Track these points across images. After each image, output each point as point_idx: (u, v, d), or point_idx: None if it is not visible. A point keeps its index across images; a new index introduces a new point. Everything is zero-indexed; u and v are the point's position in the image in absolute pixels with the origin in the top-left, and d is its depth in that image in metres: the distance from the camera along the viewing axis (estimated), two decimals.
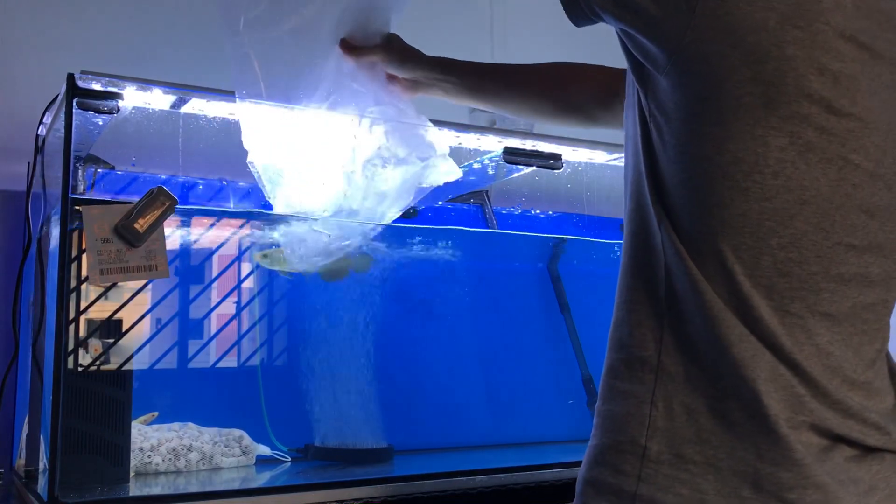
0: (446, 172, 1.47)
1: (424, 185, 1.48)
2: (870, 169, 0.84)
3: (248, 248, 1.85)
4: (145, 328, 1.65)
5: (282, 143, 1.42)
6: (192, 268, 1.80)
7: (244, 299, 1.85)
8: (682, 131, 0.85)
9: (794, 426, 0.82)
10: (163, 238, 1.32)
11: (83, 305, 1.37)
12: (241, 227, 1.77)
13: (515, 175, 1.83)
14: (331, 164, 1.45)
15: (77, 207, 1.31)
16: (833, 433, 0.83)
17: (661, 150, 0.88)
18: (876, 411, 0.86)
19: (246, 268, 1.86)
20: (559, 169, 1.71)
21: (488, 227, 2.13)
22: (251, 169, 1.42)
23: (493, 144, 1.67)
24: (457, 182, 1.90)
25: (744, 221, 0.82)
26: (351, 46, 1.37)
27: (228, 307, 1.83)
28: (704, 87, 0.83)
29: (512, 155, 1.66)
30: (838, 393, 0.84)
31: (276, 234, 1.78)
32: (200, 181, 1.80)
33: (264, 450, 1.66)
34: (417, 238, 1.88)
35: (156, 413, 1.60)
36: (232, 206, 1.82)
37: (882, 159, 0.85)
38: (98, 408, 1.36)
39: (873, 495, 0.85)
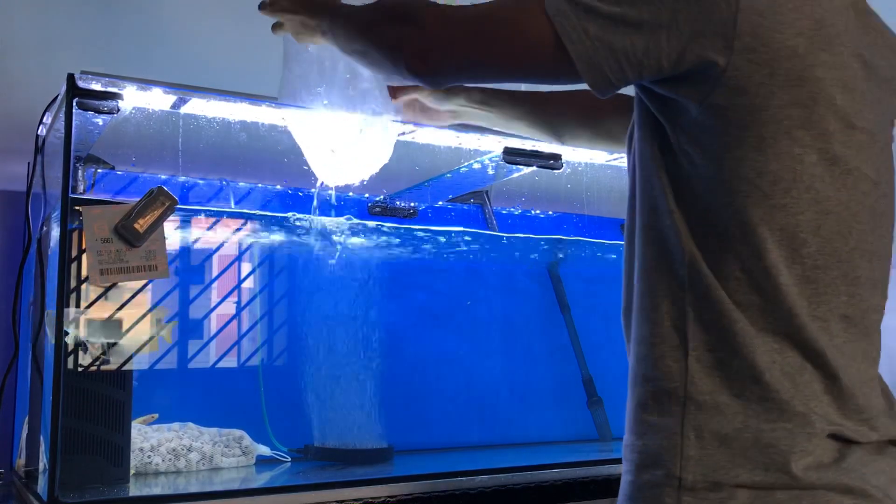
0: None
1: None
2: (873, 178, 0.91)
3: (248, 247, 1.85)
4: (145, 328, 1.65)
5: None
6: (192, 268, 1.80)
7: (244, 299, 1.85)
8: (720, 160, 0.88)
9: (821, 429, 0.85)
10: (163, 238, 1.32)
11: (83, 305, 1.37)
12: (241, 226, 1.77)
13: (515, 175, 1.83)
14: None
15: (77, 207, 1.31)
16: (845, 436, 0.87)
17: (694, 180, 0.90)
18: (873, 410, 0.90)
19: (246, 268, 1.86)
20: (559, 169, 1.71)
21: (488, 227, 2.12)
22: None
23: (493, 144, 1.67)
24: (457, 182, 1.91)
25: (781, 235, 0.87)
26: (395, 88, 1.38)
27: (228, 307, 1.83)
28: (744, 117, 0.86)
29: (512, 155, 1.66)
30: (851, 391, 0.88)
31: (277, 236, 1.78)
32: (200, 181, 1.80)
33: (264, 450, 1.66)
34: (417, 238, 1.88)
35: (156, 415, 1.60)
36: (232, 206, 1.82)
37: (879, 168, 0.92)
38: (98, 408, 1.36)
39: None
